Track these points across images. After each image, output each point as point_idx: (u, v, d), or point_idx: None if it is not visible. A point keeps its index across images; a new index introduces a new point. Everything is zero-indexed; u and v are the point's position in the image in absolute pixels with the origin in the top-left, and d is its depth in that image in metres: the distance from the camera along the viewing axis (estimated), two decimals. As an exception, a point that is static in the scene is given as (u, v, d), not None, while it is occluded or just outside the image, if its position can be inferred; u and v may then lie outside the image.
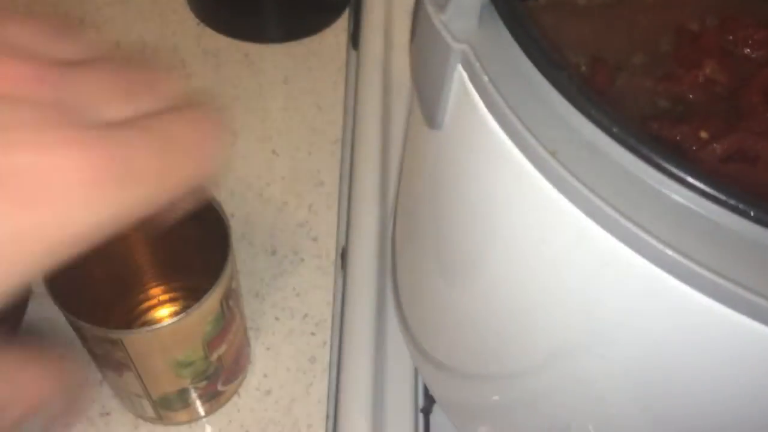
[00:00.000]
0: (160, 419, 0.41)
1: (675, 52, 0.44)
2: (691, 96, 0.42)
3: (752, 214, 0.20)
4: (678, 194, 0.21)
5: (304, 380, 0.45)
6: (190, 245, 0.39)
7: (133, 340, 0.33)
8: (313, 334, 0.47)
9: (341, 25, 0.63)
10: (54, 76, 0.18)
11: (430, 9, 0.24)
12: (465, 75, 0.23)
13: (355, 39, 0.62)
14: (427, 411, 0.44)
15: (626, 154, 0.22)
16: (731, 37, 0.45)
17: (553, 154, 0.21)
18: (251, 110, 0.57)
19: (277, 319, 0.47)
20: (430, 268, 0.36)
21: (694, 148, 0.35)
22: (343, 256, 0.50)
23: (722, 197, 0.20)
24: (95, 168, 0.16)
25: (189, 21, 0.61)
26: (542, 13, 0.47)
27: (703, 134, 0.37)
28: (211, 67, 0.58)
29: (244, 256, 0.49)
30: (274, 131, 0.56)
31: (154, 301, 0.43)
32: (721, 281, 0.20)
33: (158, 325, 0.33)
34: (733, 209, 0.20)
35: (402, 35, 0.62)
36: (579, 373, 0.30)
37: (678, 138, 0.38)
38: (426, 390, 0.45)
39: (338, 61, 0.60)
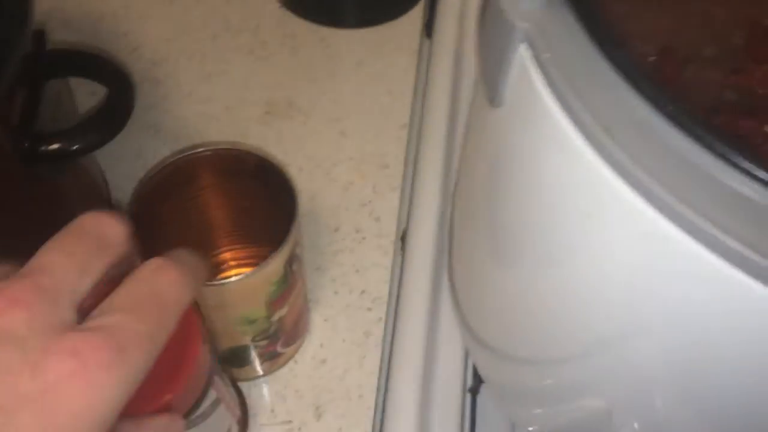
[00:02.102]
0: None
1: (748, 47, 0.43)
2: (761, 91, 0.41)
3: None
4: (734, 180, 0.22)
5: (358, 353, 0.46)
6: (261, 213, 0.41)
7: (204, 292, 0.36)
8: (369, 309, 0.48)
9: (417, 14, 0.64)
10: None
11: (500, -12, 0.25)
12: (527, 53, 0.24)
13: (429, 28, 0.63)
14: (474, 391, 0.45)
15: (684, 139, 0.22)
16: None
17: (607, 130, 0.21)
18: (324, 92, 0.59)
19: (336, 293, 0.49)
20: (483, 251, 0.37)
21: (759, 142, 0.35)
22: (404, 238, 0.52)
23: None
24: (97, 360, 0.21)
25: (272, 5, 0.63)
26: (617, 2, 0.47)
27: (768, 129, 0.36)
28: (289, 50, 0.61)
29: (308, 231, 0.51)
30: (344, 113, 0.58)
31: (225, 265, 0.45)
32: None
33: (227, 280, 0.35)
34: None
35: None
36: (621, 360, 0.30)
37: (743, 132, 0.37)
38: (475, 371, 0.46)
39: (411, 48, 0.61)
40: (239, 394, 0.43)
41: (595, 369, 0.33)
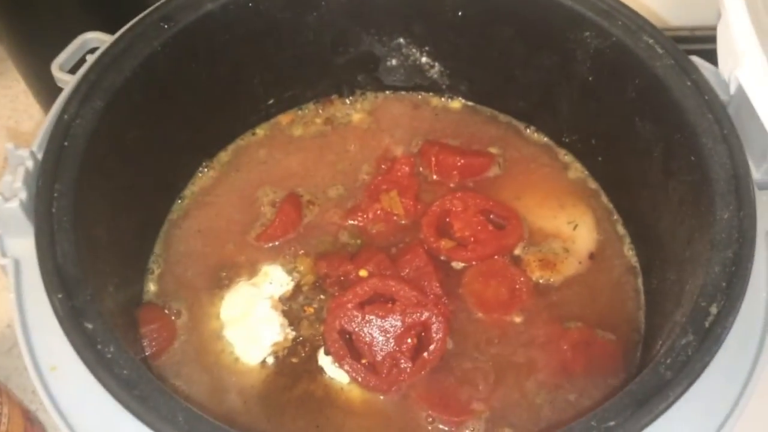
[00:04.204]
0: None
1: (370, 183, 0.43)
2: (373, 230, 0.41)
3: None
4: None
5: None
6: None
7: None
8: None
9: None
10: None
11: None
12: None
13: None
14: None
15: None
16: (426, 164, 0.44)
17: (53, 368, 0.27)
18: None
19: None
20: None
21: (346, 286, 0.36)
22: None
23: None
24: None
25: None
26: (259, 147, 0.47)
27: (363, 273, 0.37)
28: None
29: None
30: None
31: None
32: None
33: None
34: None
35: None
36: None
37: (342, 277, 0.38)
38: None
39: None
40: None
41: None
